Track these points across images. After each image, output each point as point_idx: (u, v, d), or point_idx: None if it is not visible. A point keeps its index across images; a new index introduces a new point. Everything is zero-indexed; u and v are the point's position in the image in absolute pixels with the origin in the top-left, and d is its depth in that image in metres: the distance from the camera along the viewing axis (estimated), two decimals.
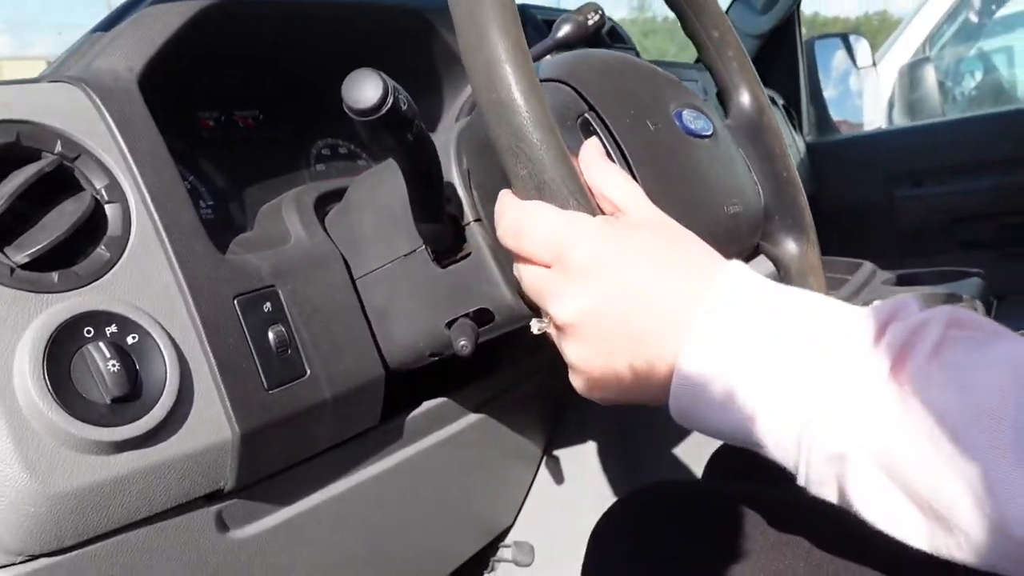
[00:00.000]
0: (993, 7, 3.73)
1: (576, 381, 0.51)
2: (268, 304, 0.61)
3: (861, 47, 2.33)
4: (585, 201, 0.47)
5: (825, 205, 1.99)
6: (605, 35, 1.15)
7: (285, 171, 0.87)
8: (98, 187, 0.55)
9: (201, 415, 0.55)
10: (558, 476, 1.04)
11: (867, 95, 2.38)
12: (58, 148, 0.55)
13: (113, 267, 0.54)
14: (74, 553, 0.51)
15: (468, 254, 0.63)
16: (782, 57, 2.06)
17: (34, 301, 0.50)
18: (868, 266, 1.34)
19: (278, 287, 0.62)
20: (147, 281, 0.55)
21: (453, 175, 0.63)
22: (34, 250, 0.51)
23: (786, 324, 0.43)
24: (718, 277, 0.45)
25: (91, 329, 0.51)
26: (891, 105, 3.36)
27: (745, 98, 0.77)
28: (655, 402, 0.48)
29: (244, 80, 0.84)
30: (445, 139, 0.64)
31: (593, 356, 0.47)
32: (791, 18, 2.03)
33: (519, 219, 0.48)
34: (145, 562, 0.56)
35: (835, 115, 2.40)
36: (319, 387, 0.63)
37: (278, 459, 0.62)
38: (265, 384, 0.59)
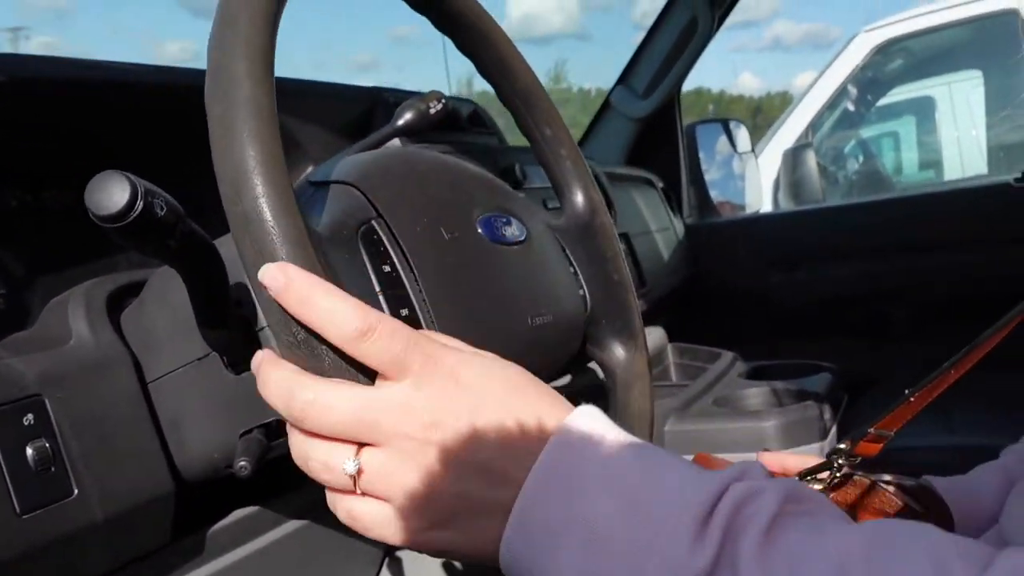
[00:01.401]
0: (869, 98, 3.94)
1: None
2: (30, 416, 0.55)
3: (741, 133, 2.40)
4: None
5: (702, 287, 2.01)
6: (466, 119, 1.14)
7: (102, 256, 0.81)
8: None
9: None
10: None
11: (748, 180, 2.45)
12: None
13: None
14: None
15: None
16: (663, 140, 2.11)
17: None
18: (728, 356, 1.34)
19: (45, 396, 0.56)
20: None
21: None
22: None
23: (611, 501, 0.39)
24: (546, 448, 0.41)
25: None
26: (776, 186, 3.49)
27: (579, 198, 0.76)
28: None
29: (59, 155, 0.79)
30: None
31: (422, 529, 0.42)
32: (671, 102, 2.08)
33: (309, 403, 0.42)
34: None
35: (719, 196, 2.46)
36: (88, 507, 0.56)
37: None
38: (17, 508, 0.52)
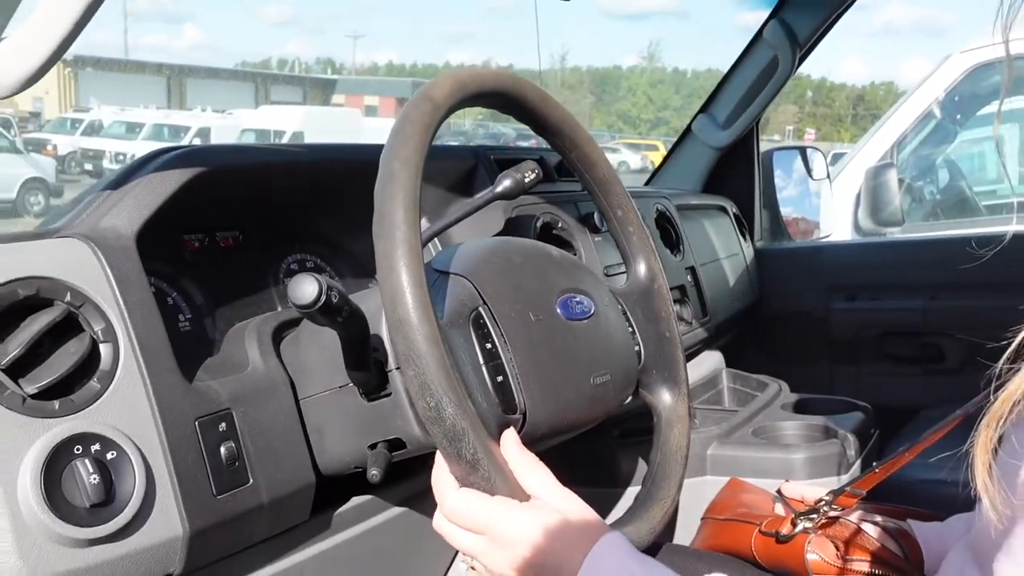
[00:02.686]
0: (960, 116, 3.94)
1: None
2: (223, 424, 0.76)
3: (817, 159, 2.51)
4: (455, 398, 0.61)
5: (767, 309, 2.15)
6: (554, 169, 1.31)
7: (259, 285, 1.02)
8: (96, 329, 0.71)
9: (160, 516, 0.70)
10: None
11: (823, 205, 2.56)
12: (67, 298, 0.70)
13: (102, 396, 0.69)
14: None
15: (390, 394, 0.78)
16: (740, 167, 2.23)
17: (38, 425, 0.65)
18: (775, 386, 1.49)
19: (233, 410, 0.77)
20: (127, 407, 0.70)
21: (383, 329, 0.78)
22: (43, 384, 0.66)
23: None
24: (589, 556, 0.64)
25: (80, 447, 0.66)
26: (857, 203, 3.55)
27: (641, 268, 0.93)
28: None
29: (226, 207, 1.00)
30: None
31: None
32: (751, 132, 2.21)
33: (460, 503, 0.67)
34: None
35: (795, 213, 2.58)
36: (259, 493, 0.77)
37: (220, 550, 0.76)
38: (214, 491, 0.74)
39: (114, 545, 0.67)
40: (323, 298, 0.64)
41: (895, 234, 3.25)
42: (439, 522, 0.71)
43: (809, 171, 2.51)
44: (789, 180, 2.61)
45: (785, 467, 1.15)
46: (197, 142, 19.50)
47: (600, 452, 1.26)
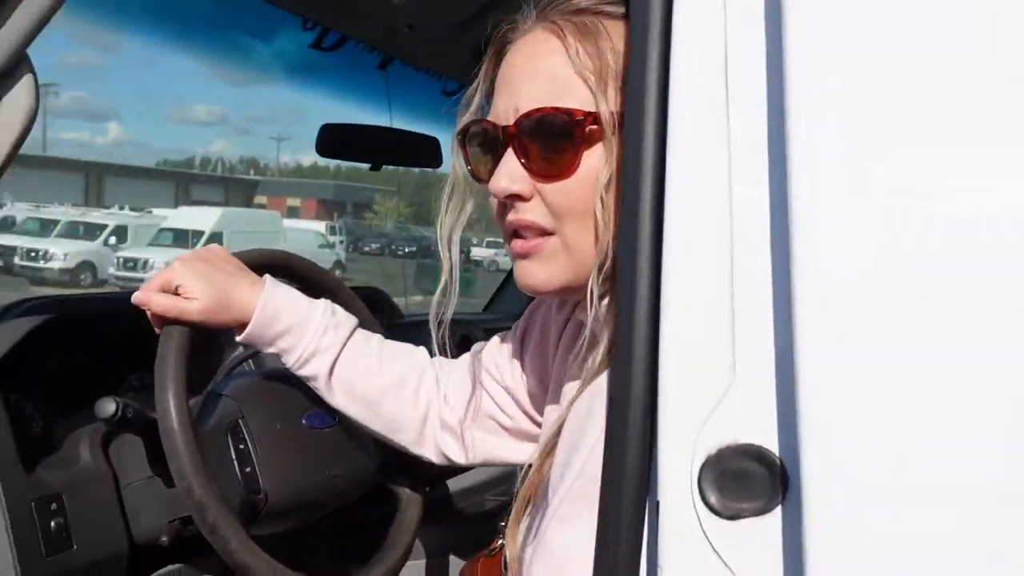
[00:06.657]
0: None
1: None
2: (54, 504, 1.03)
3: None
4: (200, 480, 0.91)
5: None
6: None
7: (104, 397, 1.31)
8: None
9: None
10: None
11: None
12: None
13: None
14: None
15: None
16: None
17: None
18: None
19: (64, 494, 1.05)
20: None
21: None
22: None
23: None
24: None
25: None
26: None
27: None
28: None
29: (77, 340, 1.29)
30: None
31: None
32: None
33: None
34: None
35: None
36: (80, 556, 1.04)
37: None
38: (43, 553, 1.01)
39: None
40: (119, 413, 0.94)
41: None
42: None
43: None
44: None
45: None
46: (113, 240, 19.54)
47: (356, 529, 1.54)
